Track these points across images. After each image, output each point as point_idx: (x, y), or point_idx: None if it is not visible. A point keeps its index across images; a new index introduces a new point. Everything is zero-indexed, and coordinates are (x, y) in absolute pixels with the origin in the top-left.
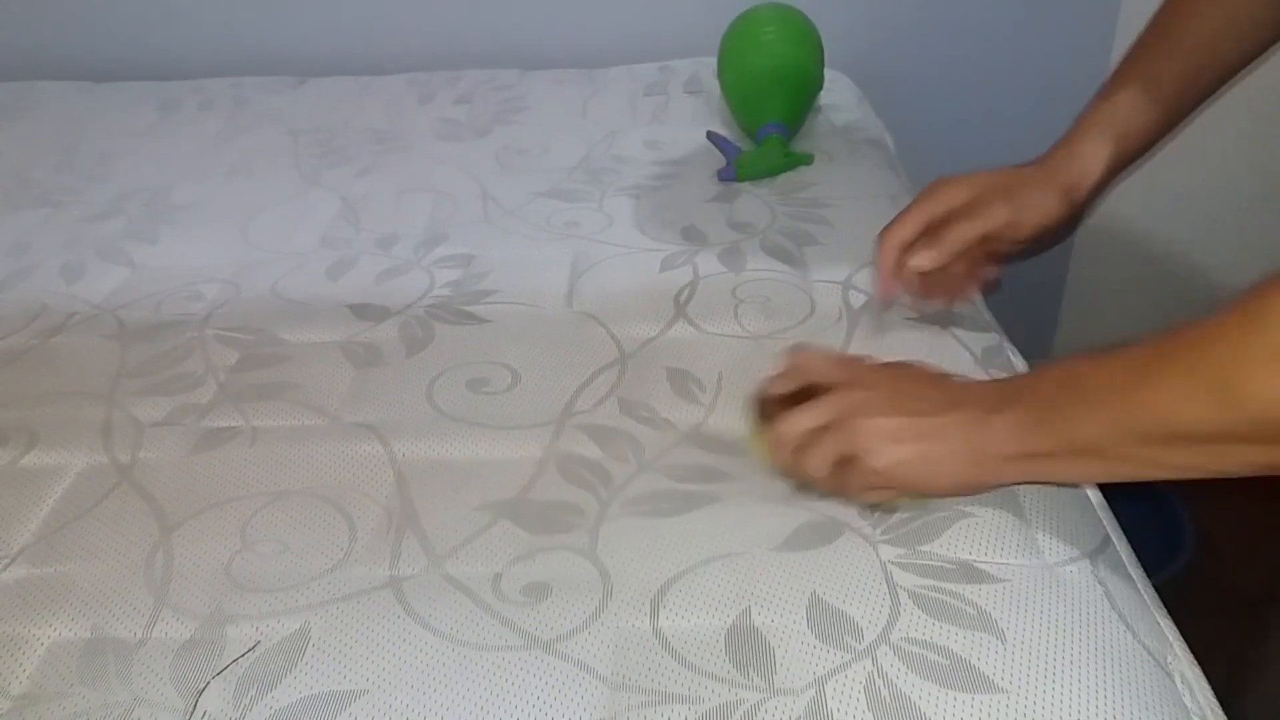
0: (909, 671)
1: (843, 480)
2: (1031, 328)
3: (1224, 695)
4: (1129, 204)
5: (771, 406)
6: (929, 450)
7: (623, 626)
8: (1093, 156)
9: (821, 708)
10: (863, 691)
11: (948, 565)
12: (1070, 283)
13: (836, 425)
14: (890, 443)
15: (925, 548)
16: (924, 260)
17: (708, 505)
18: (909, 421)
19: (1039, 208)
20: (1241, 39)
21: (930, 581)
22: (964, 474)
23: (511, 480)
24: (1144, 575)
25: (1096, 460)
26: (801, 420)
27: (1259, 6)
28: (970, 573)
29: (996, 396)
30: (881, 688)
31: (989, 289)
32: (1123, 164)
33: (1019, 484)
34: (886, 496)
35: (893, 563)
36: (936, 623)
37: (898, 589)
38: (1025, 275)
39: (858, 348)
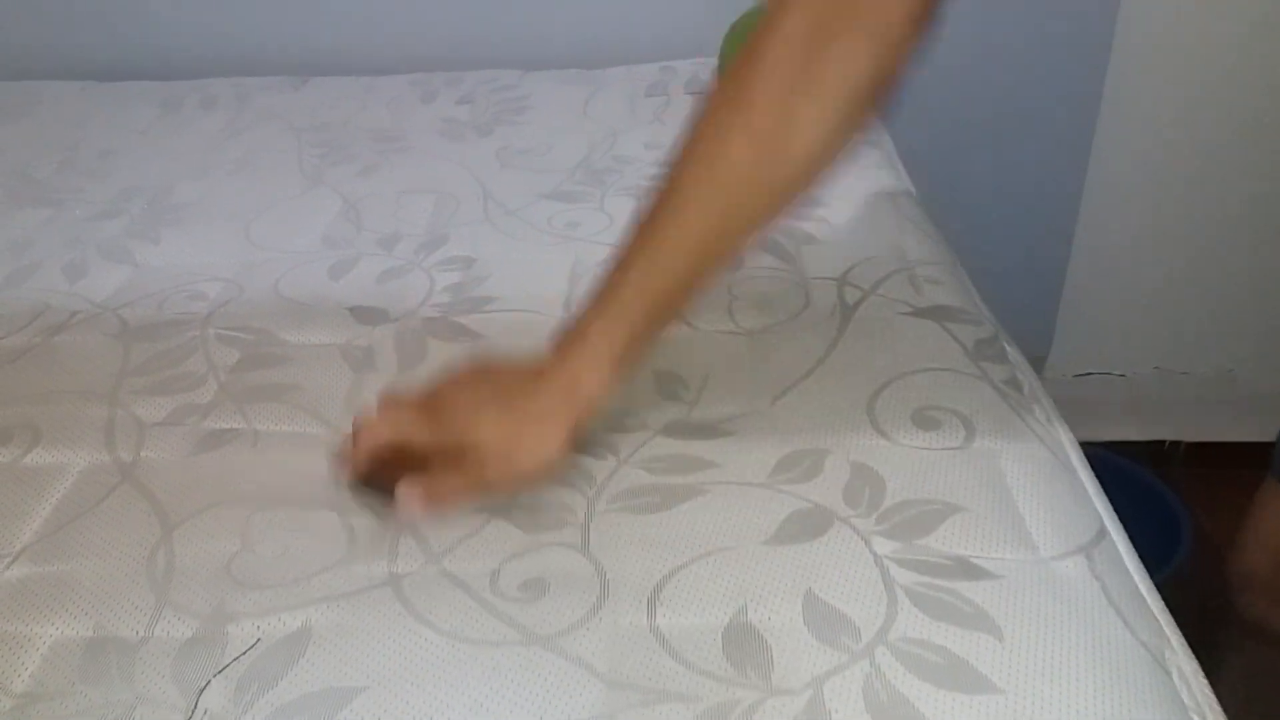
0: (907, 672)
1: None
2: (1031, 321)
3: (1222, 692)
4: (1130, 197)
5: (370, 471)
6: (530, 417)
7: (620, 624)
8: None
9: (820, 708)
10: (861, 693)
11: (943, 561)
12: (1070, 278)
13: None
14: (497, 429)
15: (920, 542)
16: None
17: (693, 498)
18: (509, 410)
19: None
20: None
21: (927, 579)
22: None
23: None
24: (1142, 570)
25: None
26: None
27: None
28: (966, 569)
29: (560, 350)
30: (880, 689)
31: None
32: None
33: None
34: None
35: (888, 558)
36: (934, 622)
37: (894, 586)
38: (1024, 271)
39: (848, 343)
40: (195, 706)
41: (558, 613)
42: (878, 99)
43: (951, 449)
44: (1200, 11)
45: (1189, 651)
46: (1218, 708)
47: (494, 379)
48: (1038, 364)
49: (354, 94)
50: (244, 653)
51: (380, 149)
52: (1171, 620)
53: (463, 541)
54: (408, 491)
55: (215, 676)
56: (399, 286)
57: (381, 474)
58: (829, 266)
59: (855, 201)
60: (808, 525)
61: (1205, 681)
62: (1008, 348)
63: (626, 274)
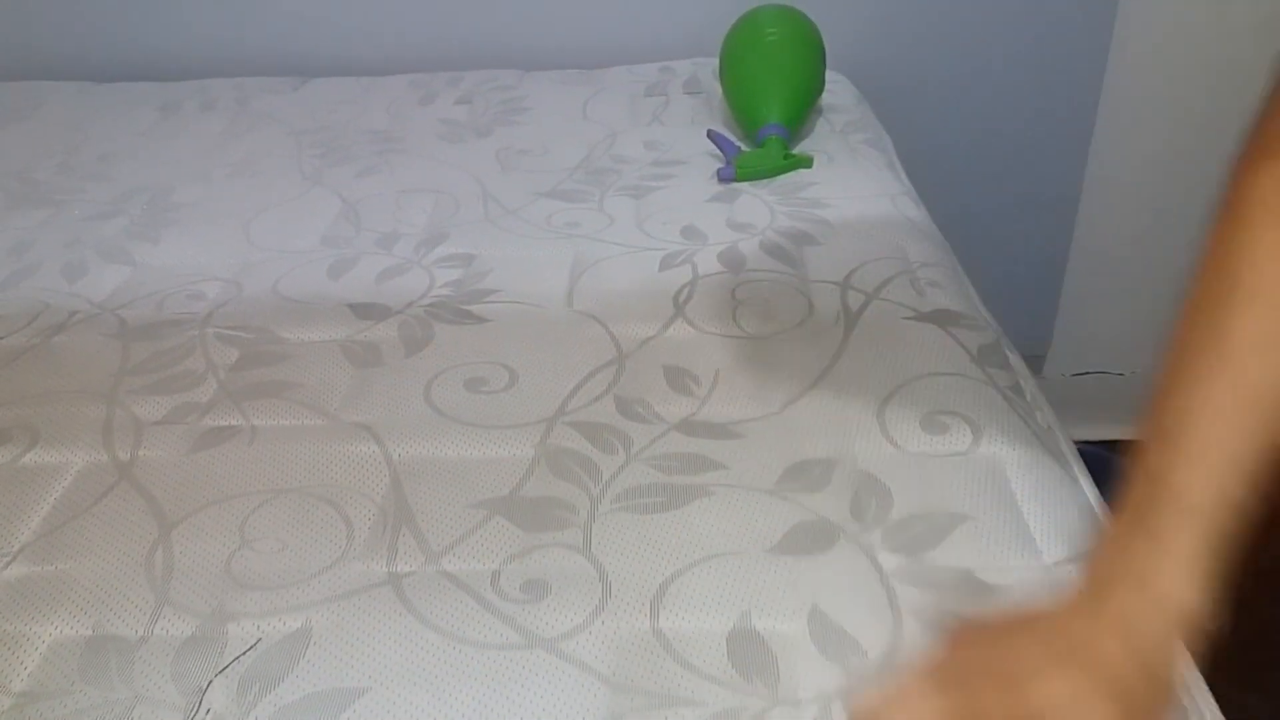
0: None
1: None
2: (1030, 320)
3: (1222, 688)
4: (1128, 196)
5: None
6: (1098, 668)
7: (623, 627)
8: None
9: None
10: None
11: (949, 577)
12: (1069, 277)
13: None
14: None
15: (926, 556)
16: None
17: (697, 499)
18: (1074, 657)
19: None
20: None
21: (933, 598)
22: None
23: (504, 477)
24: None
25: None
26: None
27: None
28: (972, 585)
29: (1097, 579)
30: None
31: None
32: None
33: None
34: None
35: (894, 575)
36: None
37: (900, 607)
38: (1023, 270)
39: (854, 349)
40: (199, 705)
41: (560, 615)
42: None
43: (958, 454)
44: (1199, 11)
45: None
46: (1218, 713)
47: (1021, 630)
48: (1036, 363)
49: (353, 95)
50: (244, 652)
51: (379, 150)
52: None
53: (461, 541)
54: None
55: (217, 676)
56: (399, 284)
57: None
58: (831, 269)
59: (855, 204)
60: (813, 538)
61: (1205, 685)
62: (1009, 354)
63: (1181, 461)
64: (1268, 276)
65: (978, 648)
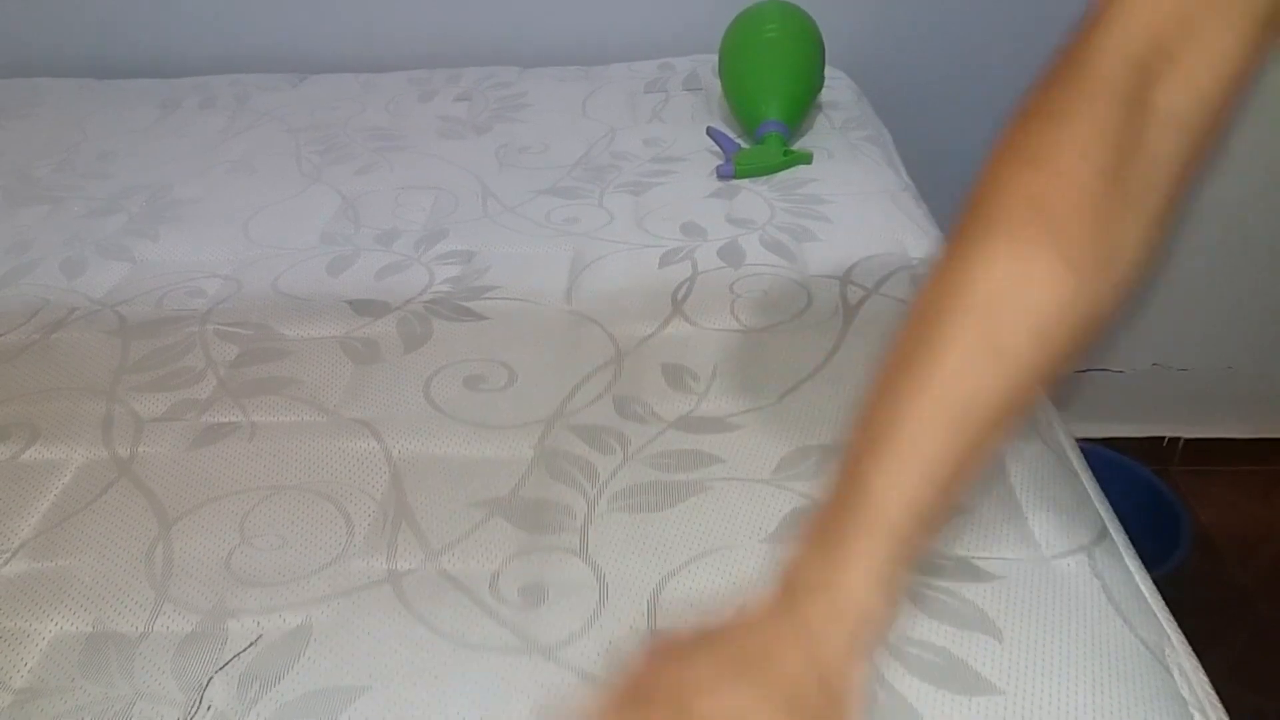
0: (907, 673)
1: None
2: None
3: (1222, 688)
4: None
5: None
6: (772, 680)
7: (620, 629)
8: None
9: None
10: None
11: (944, 562)
12: None
13: None
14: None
15: None
16: None
17: (694, 495)
18: (731, 671)
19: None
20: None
21: (927, 579)
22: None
23: (503, 478)
24: (1142, 568)
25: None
26: None
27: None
28: (967, 570)
29: (791, 586)
30: (878, 690)
31: None
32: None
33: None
34: None
35: None
36: (933, 622)
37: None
38: None
39: (852, 342)
40: (199, 702)
41: (557, 621)
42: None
43: None
44: None
45: (1189, 648)
46: (1218, 703)
47: (708, 644)
48: None
49: (352, 92)
50: (245, 649)
51: (379, 147)
52: (1171, 617)
53: (460, 541)
54: None
55: (217, 673)
56: (398, 280)
57: None
58: (831, 264)
59: (854, 200)
60: None
61: (1205, 677)
62: None
63: (880, 468)
64: (982, 291)
65: (666, 663)
